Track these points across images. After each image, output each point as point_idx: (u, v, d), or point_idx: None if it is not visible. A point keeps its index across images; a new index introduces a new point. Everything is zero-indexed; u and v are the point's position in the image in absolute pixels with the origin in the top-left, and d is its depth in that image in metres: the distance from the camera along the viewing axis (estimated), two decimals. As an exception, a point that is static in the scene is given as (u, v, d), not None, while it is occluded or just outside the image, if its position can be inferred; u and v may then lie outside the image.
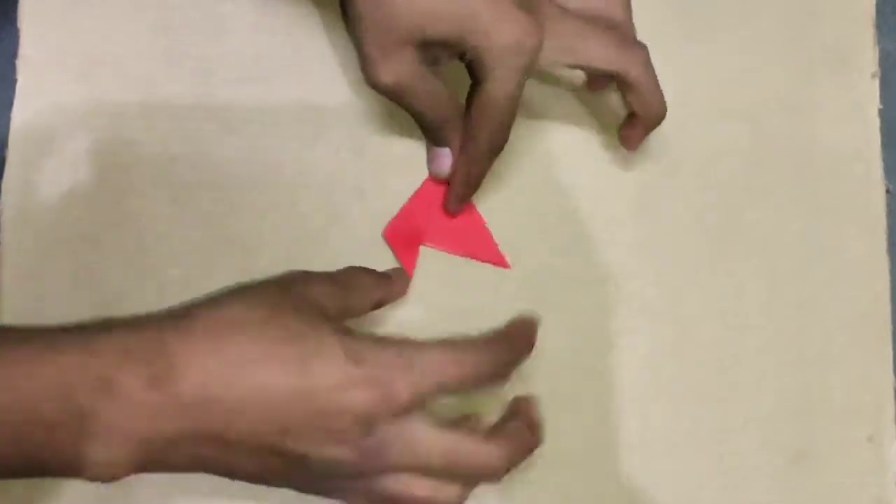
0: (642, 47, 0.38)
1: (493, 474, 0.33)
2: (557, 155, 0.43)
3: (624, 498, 0.40)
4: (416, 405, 0.31)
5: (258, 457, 0.31)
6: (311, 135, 0.42)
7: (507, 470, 0.33)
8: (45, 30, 0.42)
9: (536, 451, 0.39)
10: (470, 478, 0.33)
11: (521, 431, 0.35)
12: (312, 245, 0.41)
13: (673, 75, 0.42)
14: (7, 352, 0.29)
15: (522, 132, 0.42)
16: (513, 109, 0.37)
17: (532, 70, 0.36)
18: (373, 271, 0.38)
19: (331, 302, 0.34)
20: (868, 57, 0.44)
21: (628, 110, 0.39)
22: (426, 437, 0.32)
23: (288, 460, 0.31)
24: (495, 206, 0.42)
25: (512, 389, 0.40)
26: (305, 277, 0.34)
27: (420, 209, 0.41)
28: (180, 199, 0.41)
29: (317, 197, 0.41)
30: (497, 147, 0.38)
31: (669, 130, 0.41)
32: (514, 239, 0.42)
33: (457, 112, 0.38)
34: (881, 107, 0.44)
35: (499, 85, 0.36)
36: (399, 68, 0.36)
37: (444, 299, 0.41)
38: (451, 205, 0.41)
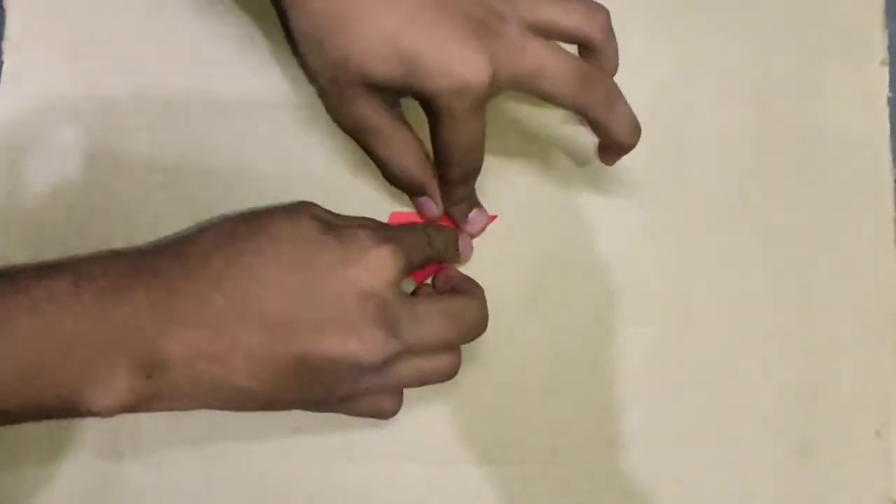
0: (606, 81, 0.35)
1: (483, 324, 0.36)
2: (560, 139, 0.42)
3: (625, 491, 0.40)
4: (404, 275, 0.34)
5: (270, 367, 0.32)
6: (305, 119, 0.41)
7: (486, 320, 0.36)
8: (33, 10, 0.41)
9: (538, 444, 0.40)
10: (466, 336, 0.35)
11: (468, 281, 0.38)
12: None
13: (680, 58, 0.42)
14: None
15: (524, 116, 0.41)
16: (475, 142, 0.35)
17: (486, 102, 0.34)
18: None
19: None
20: (877, 44, 0.43)
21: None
22: (425, 309, 0.34)
23: (300, 364, 0.32)
24: (495, 191, 0.41)
25: (513, 381, 0.40)
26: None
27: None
28: (170, 185, 0.40)
29: (312, 182, 0.41)
30: (473, 172, 0.37)
31: (676, 114, 0.41)
32: (515, 225, 0.41)
33: (423, 160, 0.37)
34: (890, 94, 0.43)
35: (454, 128, 0.34)
36: (356, 110, 0.35)
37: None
38: (467, 227, 0.40)
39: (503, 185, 0.41)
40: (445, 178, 0.37)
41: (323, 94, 0.35)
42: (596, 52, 0.35)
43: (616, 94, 0.36)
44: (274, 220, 0.33)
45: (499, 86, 0.34)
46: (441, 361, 0.35)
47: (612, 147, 0.37)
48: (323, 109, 0.40)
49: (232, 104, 0.41)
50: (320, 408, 0.35)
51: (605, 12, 0.35)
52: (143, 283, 0.31)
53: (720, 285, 0.41)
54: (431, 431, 0.39)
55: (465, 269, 0.40)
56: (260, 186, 0.40)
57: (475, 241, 0.41)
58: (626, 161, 0.41)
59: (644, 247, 0.42)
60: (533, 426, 0.40)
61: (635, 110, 0.41)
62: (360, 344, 0.32)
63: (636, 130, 0.36)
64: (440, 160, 0.36)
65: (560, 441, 0.40)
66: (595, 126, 0.36)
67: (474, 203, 0.40)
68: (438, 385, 0.39)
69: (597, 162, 0.41)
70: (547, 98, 0.35)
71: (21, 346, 0.29)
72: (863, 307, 0.42)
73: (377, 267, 0.33)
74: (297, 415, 0.35)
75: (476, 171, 0.37)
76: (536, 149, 0.42)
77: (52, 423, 0.36)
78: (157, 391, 0.31)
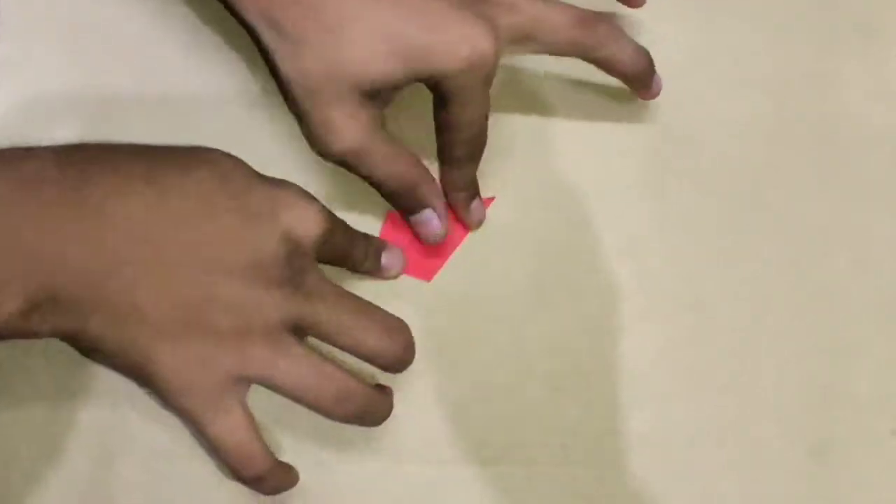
0: (604, 20, 0.36)
1: (403, 347, 0.35)
2: (567, 128, 0.42)
3: (636, 492, 0.39)
4: (323, 241, 0.33)
5: (166, 282, 0.31)
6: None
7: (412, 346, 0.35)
8: (29, -3, 0.40)
9: (543, 444, 0.39)
10: (380, 350, 0.34)
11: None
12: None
13: (693, 44, 0.42)
14: None
15: (528, 104, 0.41)
16: (484, 120, 0.35)
17: (494, 73, 0.34)
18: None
19: None
20: (894, 32, 0.43)
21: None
22: (341, 289, 0.34)
23: (197, 291, 0.31)
24: (501, 182, 0.40)
25: (519, 379, 0.40)
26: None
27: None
28: None
29: (314, 176, 0.40)
30: (479, 150, 0.37)
31: (688, 103, 0.41)
32: (521, 217, 0.41)
33: (418, 168, 0.36)
34: (909, 83, 0.43)
35: (465, 107, 0.34)
36: (352, 133, 0.34)
37: (451, 280, 0.40)
38: (468, 217, 0.39)
39: (507, 176, 0.41)
40: (452, 160, 0.37)
41: (312, 123, 0.34)
42: (606, 65, 0.38)
43: (616, 28, 0.37)
44: (209, 149, 0.33)
45: (502, 50, 0.34)
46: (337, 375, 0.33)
47: (630, 80, 0.38)
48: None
49: (232, 96, 0.40)
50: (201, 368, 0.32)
51: (606, 22, 0.37)
52: (53, 179, 0.30)
53: (733, 281, 0.41)
54: (434, 431, 0.39)
55: (469, 265, 0.40)
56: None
57: (473, 238, 0.40)
58: (636, 151, 0.42)
59: (655, 241, 0.41)
60: (540, 425, 0.39)
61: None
62: (266, 290, 0.32)
63: (645, 56, 0.38)
64: (447, 141, 0.36)
65: (569, 441, 0.39)
66: (603, 64, 0.37)
67: (476, 191, 0.39)
68: (441, 384, 0.39)
69: (604, 152, 0.41)
70: (549, 50, 0.36)
71: None
72: (879, 304, 0.41)
73: (306, 219, 0.33)
74: (292, 414, 0.34)
75: (482, 148, 0.37)
76: (542, 139, 0.41)
77: (41, 423, 0.37)
78: (52, 295, 0.30)
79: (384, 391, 0.36)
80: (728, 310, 0.41)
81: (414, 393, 0.38)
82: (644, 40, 0.41)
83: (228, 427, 0.32)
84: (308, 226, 0.33)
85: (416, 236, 0.39)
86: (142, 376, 0.32)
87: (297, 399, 0.33)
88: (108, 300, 0.30)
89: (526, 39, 0.35)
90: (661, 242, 0.41)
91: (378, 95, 0.34)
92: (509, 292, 0.40)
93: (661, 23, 0.42)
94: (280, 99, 0.39)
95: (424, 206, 0.37)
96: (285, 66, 0.33)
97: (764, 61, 0.43)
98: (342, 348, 0.33)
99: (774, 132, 0.42)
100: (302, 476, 0.37)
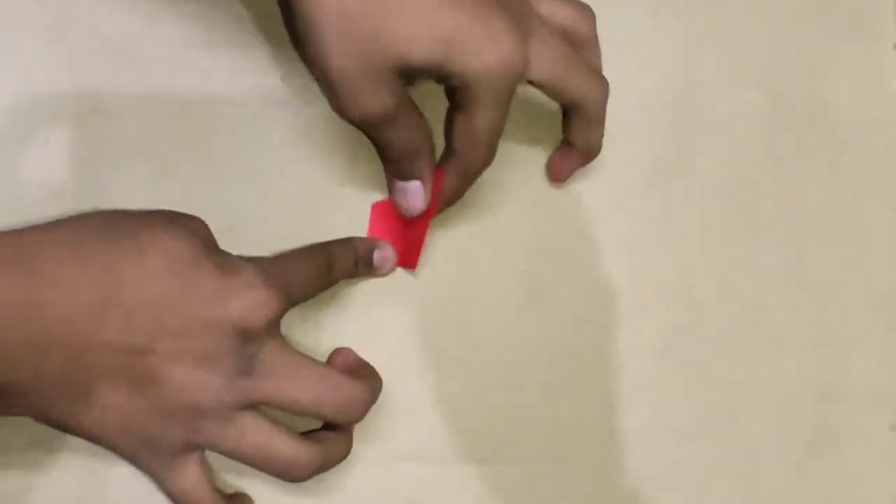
0: (605, 83, 0.37)
1: (359, 412, 0.34)
2: (558, 126, 0.41)
3: (632, 489, 0.39)
4: (288, 308, 0.33)
5: (117, 368, 0.31)
6: (300, 101, 0.40)
7: (368, 407, 0.34)
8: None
9: (539, 442, 0.39)
10: (335, 417, 0.34)
11: (365, 367, 0.37)
12: (300, 217, 0.39)
13: (688, 39, 0.42)
14: None
15: (524, 102, 0.40)
16: (500, 132, 0.35)
17: (514, 91, 0.34)
18: None
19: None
20: (889, 27, 0.43)
21: (567, 138, 0.38)
22: (297, 360, 0.33)
23: (148, 377, 0.31)
24: (496, 179, 0.40)
25: (514, 378, 0.39)
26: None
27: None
28: (160, 172, 0.39)
29: (306, 167, 0.40)
30: (487, 165, 0.36)
31: (683, 98, 0.41)
32: (517, 214, 0.40)
33: (429, 141, 0.36)
34: (904, 78, 0.43)
35: (486, 114, 0.34)
36: (382, 99, 0.33)
37: (448, 279, 0.40)
38: (442, 208, 0.38)
39: (500, 173, 0.40)
40: (462, 172, 0.36)
41: (335, 85, 0.33)
42: (584, 48, 0.37)
43: (607, 99, 0.37)
44: (163, 222, 0.32)
45: (527, 77, 0.34)
46: (294, 445, 0.33)
47: (580, 153, 0.39)
48: (311, 98, 0.40)
49: (222, 90, 0.40)
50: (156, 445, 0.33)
51: (593, 12, 0.37)
52: (8, 263, 0.30)
53: (729, 277, 0.41)
54: (431, 431, 0.39)
55: (465, 264, 0.39)
56: (250, 177, 0.39)
57: (469, 237, 0.40)
58: (630, 146, 0.41)
59: (650, 236, 0.41)
60: (537, 424, 0.39)
61: (639, 94, 0.42)
62: (210, 372, 0.31)
63: (602, 140, 0.39)
64: (460, 153, 0.35)
65: (564, 439, 0.39)
66: (582, 122, 0.37)
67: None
68: (438, 383, 0.39)
69: (602, 146, 0.40)
70: (560, 92, 0.36)
71: None
72: (875, 298, 0.41)
73: (257, 307, 0.32)
74: (288, 415, 0.33)
75: (490, 162, 0.36)
76: (538, 137, 0.41)
77: (32, 440, 0.37)
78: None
79: (340, 433, 0.35)
80: (724, 306, 0.41)
81: (411, 393, 0.38)
82: (640, 38, 0.41)
83: (180, 484, 0.33)
84: (260, 313, 0.32)
85: (396, 205, 0.38)
86: (98, 445, 0.33)
87: (249, 465, 0.33)
88: (58, 385, 0.31)
89: (547, 75, 0.35)
90: (656, 238, 0.41)
91: (407, 78, 0.33)
92: (505, 291, 0.40)
93: (659, 19, 0.42)
94: (269, 98, 0.40)
95: (415, 178, 0.37)
96: (322, 35, 0.32)
97: (758, 57, 0.42)
98: (300, 415, 0.34)
99: (769, 126, 0.42)
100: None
